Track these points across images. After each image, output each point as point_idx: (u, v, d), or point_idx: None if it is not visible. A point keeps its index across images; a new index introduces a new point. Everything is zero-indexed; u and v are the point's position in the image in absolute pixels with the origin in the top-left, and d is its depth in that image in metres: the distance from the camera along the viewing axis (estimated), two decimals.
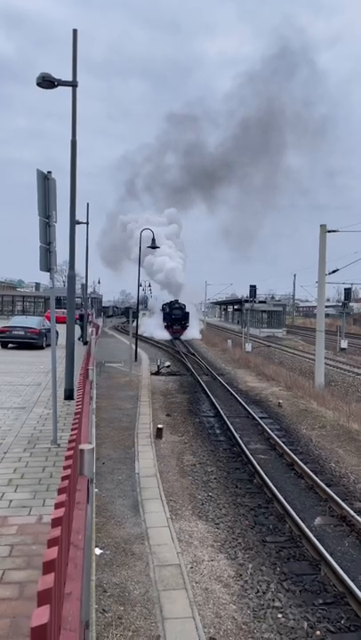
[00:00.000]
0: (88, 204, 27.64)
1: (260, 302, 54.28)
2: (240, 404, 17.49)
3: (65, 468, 2.19)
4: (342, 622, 5.63)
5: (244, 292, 59.45)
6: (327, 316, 33.73)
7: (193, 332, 50.31)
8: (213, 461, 11.10)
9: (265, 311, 57.87)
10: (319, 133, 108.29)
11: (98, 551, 6.28)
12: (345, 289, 46.09)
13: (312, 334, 34.08)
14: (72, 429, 3.23)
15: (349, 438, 12.97)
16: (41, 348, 20.64)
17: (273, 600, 5.96)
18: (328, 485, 9.58)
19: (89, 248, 31.23)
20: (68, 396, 10.14)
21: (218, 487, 9.56)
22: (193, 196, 75.91)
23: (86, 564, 2.06)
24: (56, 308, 8.77)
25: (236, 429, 13.66)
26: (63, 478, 2.05)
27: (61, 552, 1.51)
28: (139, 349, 29.04)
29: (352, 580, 6.21)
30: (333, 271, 24.11)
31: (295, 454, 11.50)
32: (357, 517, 8.06)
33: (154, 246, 25.77)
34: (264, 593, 6.09)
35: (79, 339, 22.68)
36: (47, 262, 7.49)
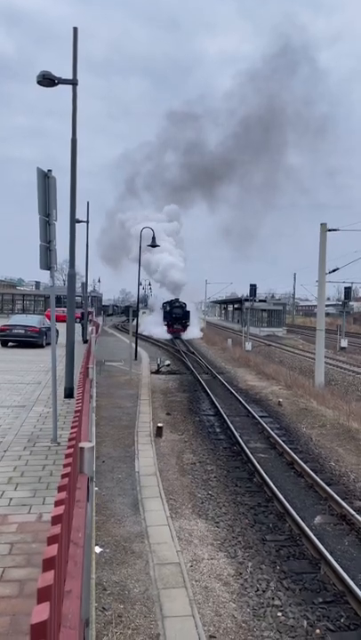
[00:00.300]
0: (88, 202, 27.72)
1: (260, 301, 54.24)
2: (240, 402, 17.50)
3: (65, 465, 2.19)
4: (342, 621, 5.63)
5: (244, 291, 59.44)
6: (327, 315, 33.74)
7: (194, 331, 50.11)
8: (213, 460, 11.10)
9: (265, 310, 57.85)
10: (320, 132, 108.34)
11: (98, 549, 6.28)
12: (345, 288, 46.08)
13: (312, 333, 34.08)
14: (72, 427, 3.23)
15: (349, 437, 12.97)
16: (41, 346, 20.65)
17: (273, 598, 5.96)
18: (328, 484, 9.58)
19: (89, 247, 31.24)
20: (68, 394, 10.14)
21: (218, 486, 9.56)
22: (193, 194, 76.06)
23: (86, 561, 2.06)
24: (56, 306, 8.77)
25: (236, 428, 13.66)
26: (63, 476, 2.04)
27: (61, 550, 1.50)
28: (139, 348, 29.03)
29: (352, 579, 6.21)
30: (334, 270, 24.10)
31: (295, 453, 11.50)
32: (357, 516, 8.07)
33: (154, 245, 25.50)
34: (264, 591, 6.09)
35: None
36: (47, 261, 7.49)
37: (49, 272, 7.68)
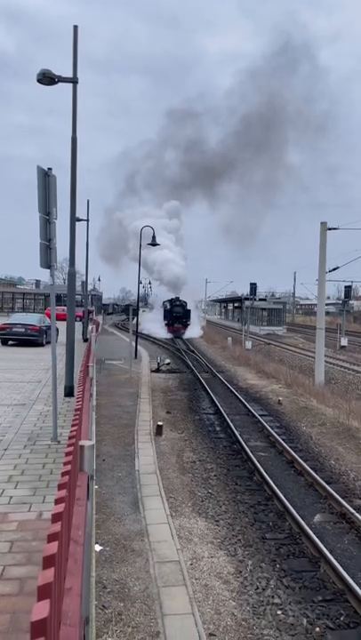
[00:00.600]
0: (88, 200, 27.75)
1: (260, 300, 54.26)
2: (240, 401, 17.50)
3: (65, 464, 2.19)
4: (342, 619, 5.64)
5: (244, 290, 59.37)
6: (327, 313, 33.73)
7: (194, 329, 49.90)
8: (213, 458, 11.11)
9: (265, 309, 57.81)
10: (320, 130, 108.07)
11: (98, 547, 6.29)
12: (345, 287, 46.02)
13: (312, 332, 34.07)
14: (72, 426, 3.24)
15: (349, 436, 12.98)
16: (41, 345, 20.65)
17: (272, 597, 5.97)
18: (328, 483, 9.59)
19: (89, 245, 31.23)
20: (68, 393, 10.15)
21: (218, 484, 9.57)
22: (193, 192, 75.68)
23: (86, 559, 2.06)
24: (56, 305, 8.77)
25: (236, 427, 13.67)
26: (63, 474, 2.05)
27: (61, 547, 1.51)
28: (139, 347, 29.04)
29: (351, 577, 6.22)
30: (334, 269, 24.08)
31: (295, 452, 11.51)
32: (357, 515, 8.07)
33: (154, 243, 25.33)
34: (264, 589, 6.10)
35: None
36: (47, 259, 7.49)
37: (49, 270, 7.69)
